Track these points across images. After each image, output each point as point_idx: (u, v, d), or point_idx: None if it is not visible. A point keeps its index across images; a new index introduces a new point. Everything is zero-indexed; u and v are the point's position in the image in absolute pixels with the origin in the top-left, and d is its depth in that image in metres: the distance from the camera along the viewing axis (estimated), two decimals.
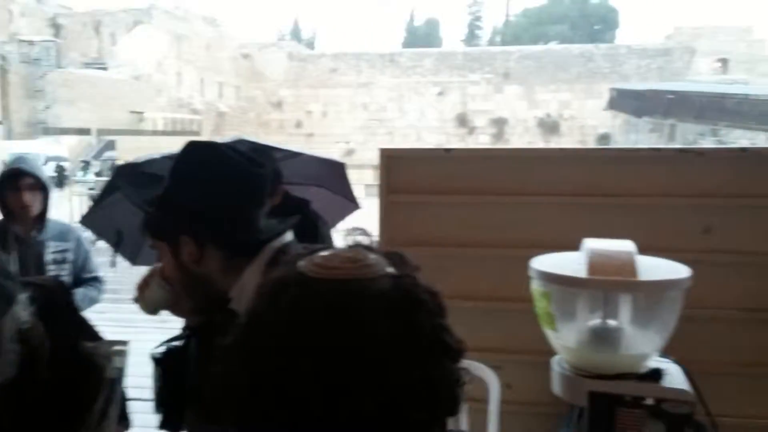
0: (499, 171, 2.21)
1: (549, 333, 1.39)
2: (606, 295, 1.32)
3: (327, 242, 1.63)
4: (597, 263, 1.24)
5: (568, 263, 1.31)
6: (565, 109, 29.06)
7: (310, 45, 34.89)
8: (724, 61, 26.67)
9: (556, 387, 1.40)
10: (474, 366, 2.09)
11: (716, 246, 2.15)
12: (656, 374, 1.31)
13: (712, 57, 26.70)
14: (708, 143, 19.11)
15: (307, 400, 0.48)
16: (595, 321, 1.34)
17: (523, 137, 28.61)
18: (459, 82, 29.04)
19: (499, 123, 29.56)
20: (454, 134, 29.47)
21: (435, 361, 0.51)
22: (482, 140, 29.08)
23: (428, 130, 29.41)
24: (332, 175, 1.85)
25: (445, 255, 2.24)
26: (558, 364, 1.40)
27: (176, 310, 1.08)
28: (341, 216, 1.98)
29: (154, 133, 20.63)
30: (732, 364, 2.15)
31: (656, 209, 2.17)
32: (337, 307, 0.50)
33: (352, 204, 1.97)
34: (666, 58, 27.28)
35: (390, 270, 0.54)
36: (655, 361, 1.37)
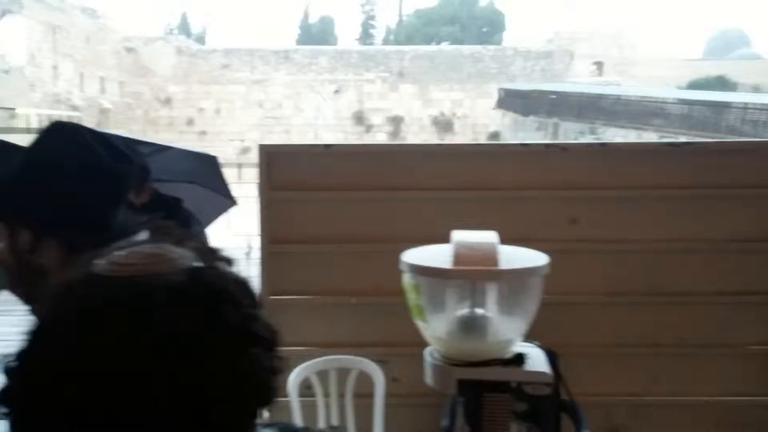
0: (378, 166, 2.23)
1: (420, 324, 1.42)
2: (473, 285, 1.36)
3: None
4: (462, 254, 1.28)
5: (437, 255, 1.34)
6: (457, 107, 30.10)
7: (200, 40, 33.63)
8: (599, 64, 28.81)
9: (429, 377, 1.43)
10: (358, 361, 2.10)
11: (582, 235, 2.30)
12: (519, 359, 1.38)
13: (588, 60, 28.74)
14: (587, 140, 20.52)
15: (102, 405, 0.45)
16: (464, 310, 1.39)
17: (419, 135, 29.26)
18: (355, 80, 29.23)
19: (396, 121, 30.10)
20: (352, 132, 29.60)
21: (242, 352, 0.50)
22: (379, 138, 29.41)
23: (326, 128, 29.34)
24: (205, 170, 1.78)
25: (328, 252, 2.23)
26: (430, 355, 1.43)
27: (15, 293, 1.01)
28: (217, 214, 1.91)
29: (28, 131, 18.98)
30: (597, 345, 2.32)
31: (527, 202, 2.29)
32: (127, 306, 0.47)
33: (228, 201, 1.91)
34: (548, 60, 29.03)
35: (195, 264, 0.52)
36: (520, 346, 1.44)
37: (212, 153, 1.80)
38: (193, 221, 1.62)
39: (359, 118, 28.89)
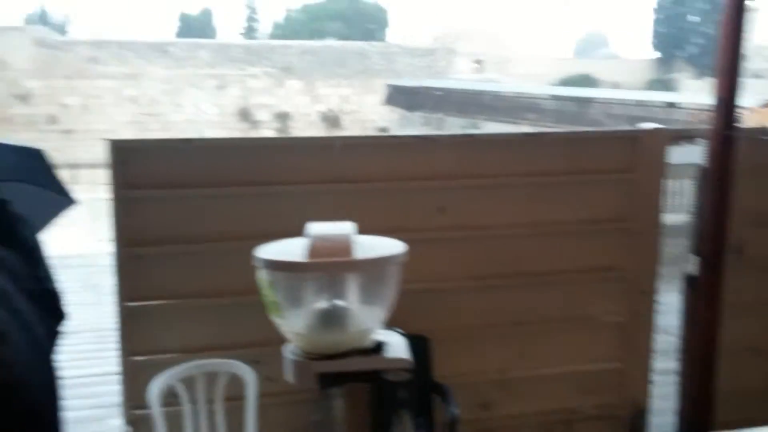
0: (240, 161, 2.15)
1: (278, 321, 1.38)
2: (330, 277, 1.34)
3: (29, 246, 1.40)
4: (317, 247, 1.24)
5: (292, 249, 1.30)
6: (345, 103, 30.17)
7: (61, 31, 31.05)
8: (479, 62, 30.08)
9: (288, 374, 1.39)
10: (227, 364, 2.01)
11: (450, 223, 2.37)
12: (378, 347, 1.37)
13: (470, 57, 29.92)
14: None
15: None
16: (322, 303, 1.36)
17: (307, 131, 28.95)
18: (239, 75, 28.38)
19: (283, 117, 29.60)
20: (237, 129, 28.71)
21: None
22: (267, 134, 28.77)
23: (209, 124, 28.23)
24: (33, 165, 1.59)
25: (189, 252, 2.11)
26: (289, 351, 1.39)
27: None
28: (54, 214, 1.72)
29: None
30: (468, 327, 2.40)
31: (397, 193, 2.31)
32: None
33: (65, 199, 1.72)
34: (432, 57, 29.87)
35: None
36: (381, 335, 1.44)
37: (37, 146, 1.63)
38: (21, 224, 1.45)
39: (245, 115, 28.09)
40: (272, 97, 28.05)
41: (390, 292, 1.41)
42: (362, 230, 2.20)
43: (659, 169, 2.39)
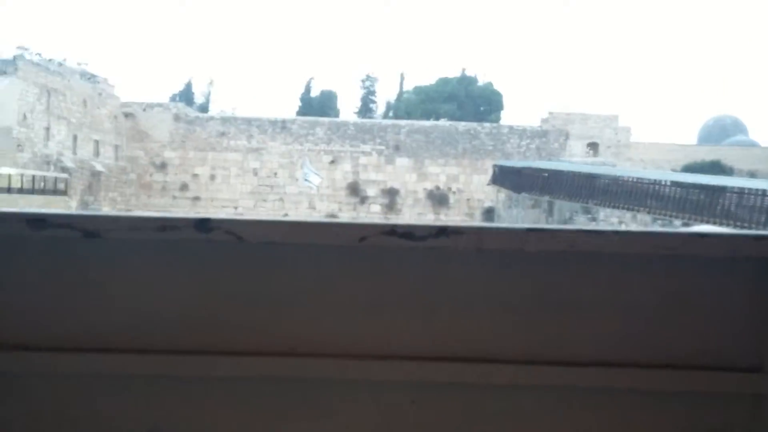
0: None
1: None
2: None
3: None
4: None
5: None
6: (453, 182, 30.33)
7: (204, 108, 34.43)
8: (593, 145, 29.04)
9: None
10: None
11: None
12: None
13: (583, 140, 29.04)
14: (582, 220, 20.32)
15: None
16: None
17: (414, 208, 29.31)
18: (351, 151, 29.57)
19: (391, 193, 30.28)
20: (347, 203, 29.69)
21: None
22: (374, 209, 29.55)
23: (320, 197, 29.47)
24: None
25: None
26: None
27: None
28: None
29: (9, 191, 18.73)
30: None
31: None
32: None
33: None
34: (543, 139, 29.37)
35: None
36: None
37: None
38: None
39: (354, 189, 28.96)
40: (381, 174, 28.71)
41: None
42: None
43: None
